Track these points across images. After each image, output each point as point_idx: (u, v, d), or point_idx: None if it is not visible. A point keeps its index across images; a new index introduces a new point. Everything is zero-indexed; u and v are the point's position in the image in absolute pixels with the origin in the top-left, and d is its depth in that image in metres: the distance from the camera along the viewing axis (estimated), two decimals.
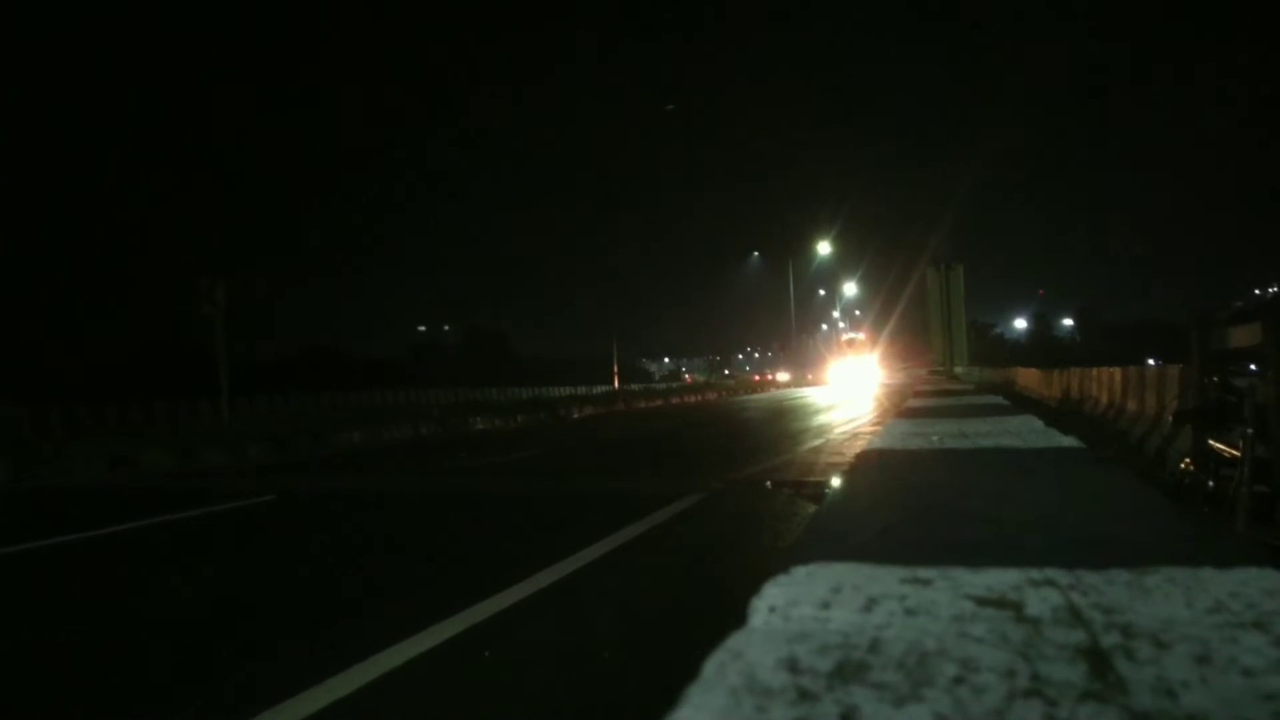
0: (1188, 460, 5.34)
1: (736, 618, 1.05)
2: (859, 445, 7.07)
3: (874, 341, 46.68)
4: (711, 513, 5.68)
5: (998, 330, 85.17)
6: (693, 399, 33.97)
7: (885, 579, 1.22)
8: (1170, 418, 6.98)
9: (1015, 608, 1.07)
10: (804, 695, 0.81)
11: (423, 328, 77.10)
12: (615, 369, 44.83)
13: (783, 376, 61.68)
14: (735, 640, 0.96)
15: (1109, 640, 0.94)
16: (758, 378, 65.40)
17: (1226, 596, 1.08)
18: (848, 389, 33.61)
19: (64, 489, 9.01)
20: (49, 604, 4.05)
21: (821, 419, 15.54)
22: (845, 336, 49.28)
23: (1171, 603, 1.07)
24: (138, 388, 22.15)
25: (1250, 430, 3.75)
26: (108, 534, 5.85)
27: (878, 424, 9.82)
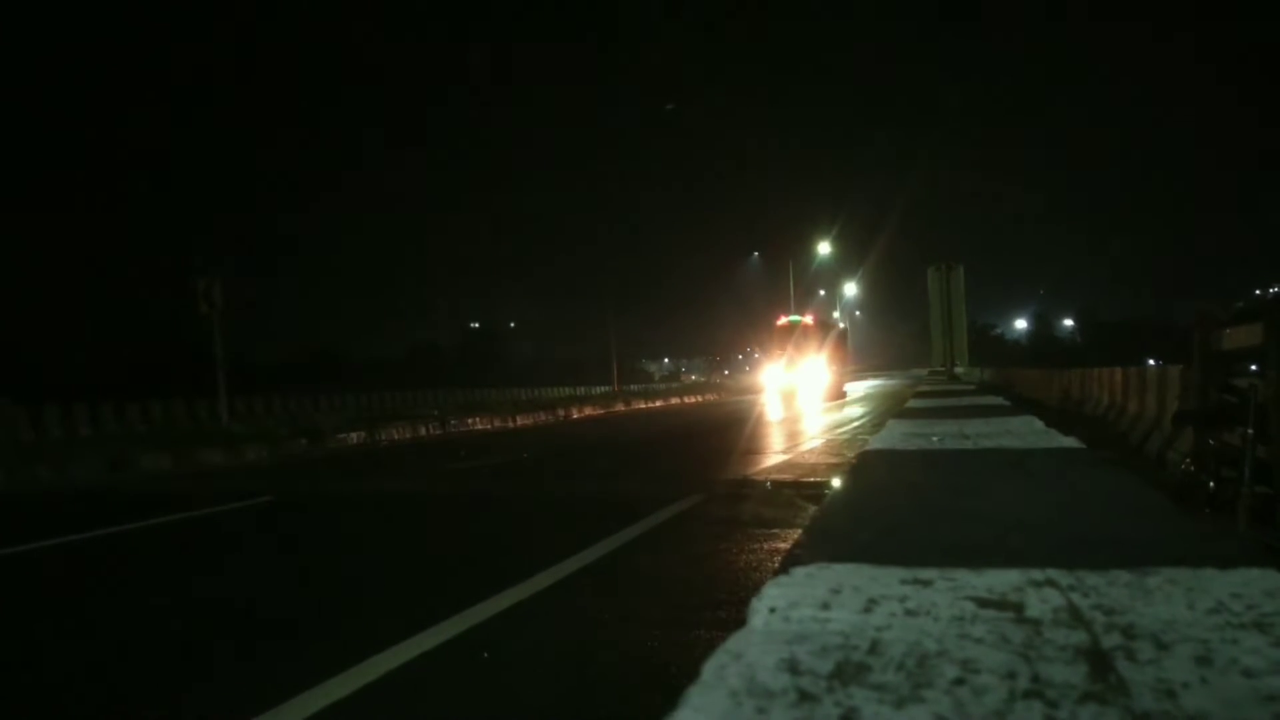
0: (1188, 461, 5.33)
1: (736, 618, 1.04)
2: (860, 446, 7.06)
3: (826, 334, 29.60)
4: (711, 514, 5.67)
5: (998, 330, 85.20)
6: (692, 399, 34.00)
7: (885, 580, 1.22)
8: (1171, 418, 6.98)
9: (1016, 609, 1.07)
10: (804, 696, 0.81)
11: (476, 324, 74.36)
12: (615, 370, 42.97)
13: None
14: (735, 641, 0.96)
15: (1110, 641, 0.94)
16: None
17: (1227, 597, 1.07)
18: (789, 401, 23.75)
19: (61, 490, 9.00)
20: (42, 607, 4.05)
21: (828, 418, 15.54)
22: (784, 319, 30.08)
23: (1172, 604, 1.06)
24: (136, 388, 22.16)
25: (1251, 431, 3.75)
26: (105, 535, 5.84)
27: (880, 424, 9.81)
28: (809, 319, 30.04)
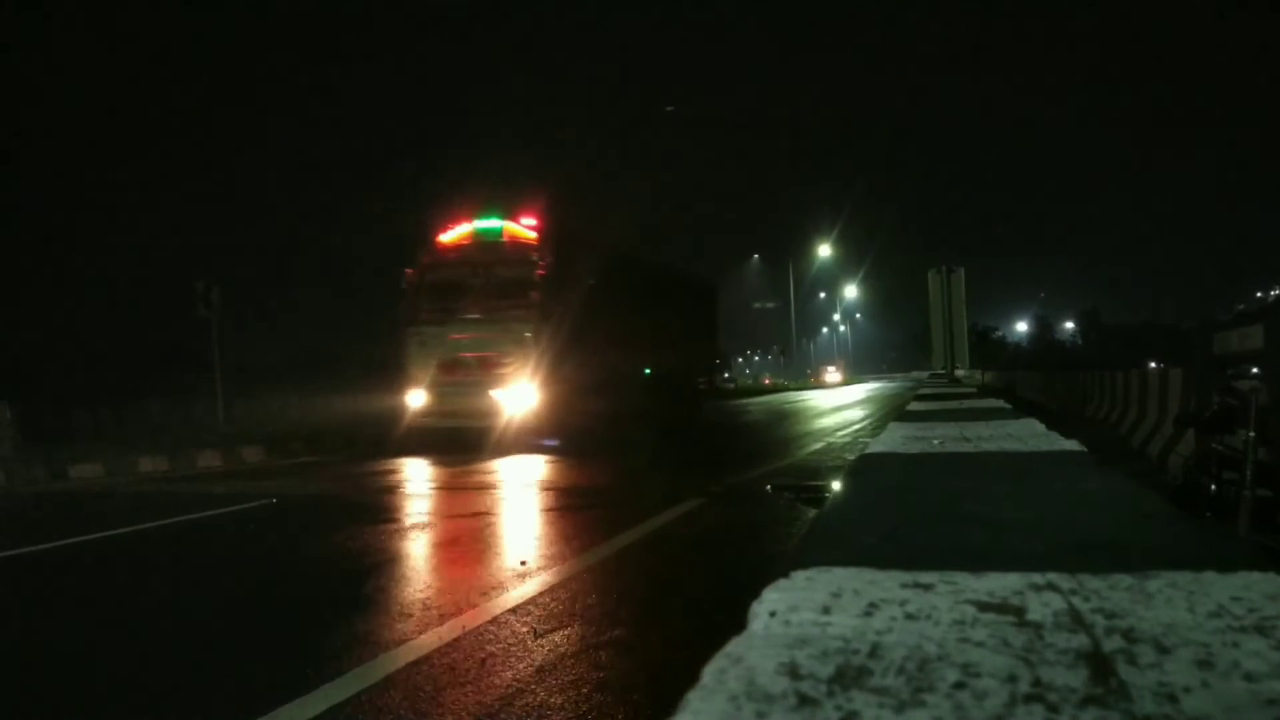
0: (1189, 464, 5.33)
1: (736, 622, 1.04)
2: (860, 448, 7.06)
3: (587, 276, 12.11)
4: (710, 517, 5.67)
5: (999, 334, 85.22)
6: None
7: (886, 584, 1.22)
8: (1172, 421, 6.97)
9: (1017, 612, 1.07)
10: (804, 701, 0.81)
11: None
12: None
13: (832, 377, 62.33)
14: (735, 645, 0.96)
15: (1111, 645, 0.94)
16: (814, 377, 65.04)
17: (1228, 601, 1.07)
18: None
19: (58, 493, 9.00)
20: (35, 611, 4.04)
21: (828, 421, 15.53)
22: (453, 231, 11.74)
23: (1174, 607, 1.06)
24: (133, 390, 22.18)
25: (1252, 434, 3.74)
26: (104, 538, 5.84)
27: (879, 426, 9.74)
28: (524, 226, 11.77)
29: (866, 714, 0.78)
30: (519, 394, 11.04)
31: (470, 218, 11.99)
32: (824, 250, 53.93)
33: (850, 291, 74.42)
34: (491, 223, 11.85)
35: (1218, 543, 1.63)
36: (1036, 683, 0.83)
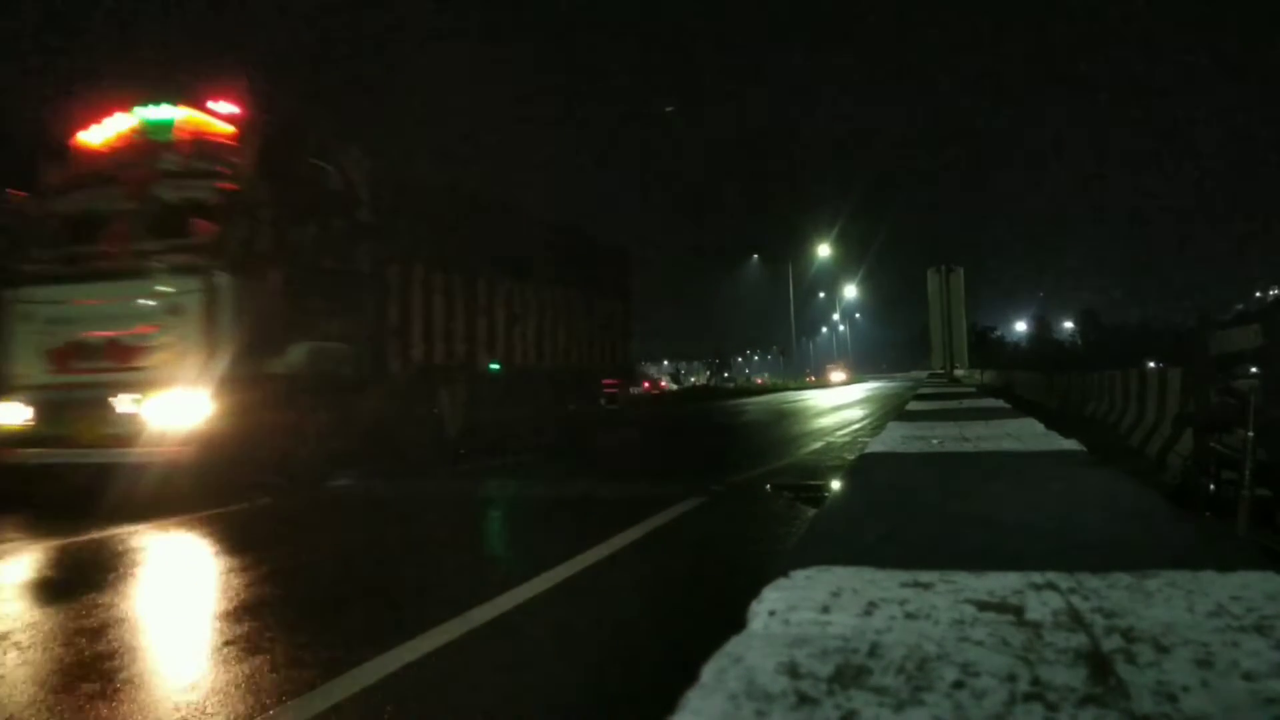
0: (1189, 463, 5.33)
1: (736, 621, 1.04)
2: (860, 448, 7.05)
3: (294, 217, 7.06)
4: (710, 516, 5.67)
5: (998, 333, 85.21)
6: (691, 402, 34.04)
7: (885, 583, 1.22)
8: (1171, 421, 6.98)
9: (1016, 612, 1.07)
10: (804, 699, 0.81)
11: None
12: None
13: (836, 376, 62.39)
14: (734, 644, 0.96)
15: (1110, 644, 0.94)
16: (811, 379, 65.47)
17: (1228, 600, 1.07)
18: None
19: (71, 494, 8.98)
20: (31, 613, 4.04)
21: (829, 421, 15.53)
22: (99, 127, 7.10)
23: (1173, 606, 1.06)
24: None
25: (1251, 434, 3.74)
26: (104, 538, 5.83)
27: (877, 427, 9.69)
28: (215, 117, 7.06)
29: (866, 713, 0.78)
30: (178, 402, 6.44)
31: (130, 106, 7.37)
32: (823, 250, 54.04)
33: (850, 291, 74.64)
34: (161, 111, 7.25)
35: (1217, 542, 1.63)
36: (1035, 682, 0.84)
